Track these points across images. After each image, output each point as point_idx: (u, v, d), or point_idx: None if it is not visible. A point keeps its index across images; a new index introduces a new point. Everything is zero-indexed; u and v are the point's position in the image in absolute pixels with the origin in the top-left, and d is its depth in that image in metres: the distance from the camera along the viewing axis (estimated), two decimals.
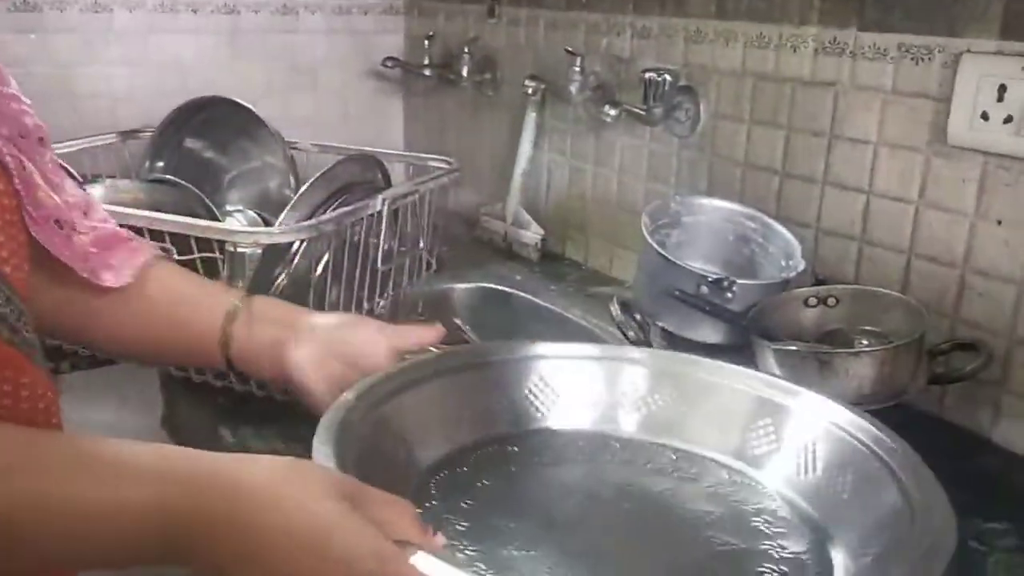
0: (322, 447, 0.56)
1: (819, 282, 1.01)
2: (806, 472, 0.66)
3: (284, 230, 0.86)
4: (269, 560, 0.47)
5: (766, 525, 0.61)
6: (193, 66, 1.61)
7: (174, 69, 1.59)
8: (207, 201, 1.16)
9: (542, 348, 0.75)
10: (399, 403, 0.66)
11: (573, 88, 1.31)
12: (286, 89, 1.70)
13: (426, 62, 1.62)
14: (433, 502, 0.63)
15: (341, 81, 1.75)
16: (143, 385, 1.19)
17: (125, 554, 0.49)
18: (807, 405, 0.68)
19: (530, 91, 1.35)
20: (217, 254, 0.87)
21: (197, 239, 0.85)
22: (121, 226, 0.79)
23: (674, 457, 0.67)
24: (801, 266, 1.00)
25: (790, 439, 0.68)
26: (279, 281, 0.98)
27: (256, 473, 0.50)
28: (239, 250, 0.98)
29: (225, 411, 0.98)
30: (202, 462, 0.51)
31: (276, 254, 0.95)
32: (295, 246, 0.98)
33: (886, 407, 0.86)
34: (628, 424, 0.70)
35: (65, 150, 1.19)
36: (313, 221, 0.87)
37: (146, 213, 0.89)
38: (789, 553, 0.57)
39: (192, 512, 0.48)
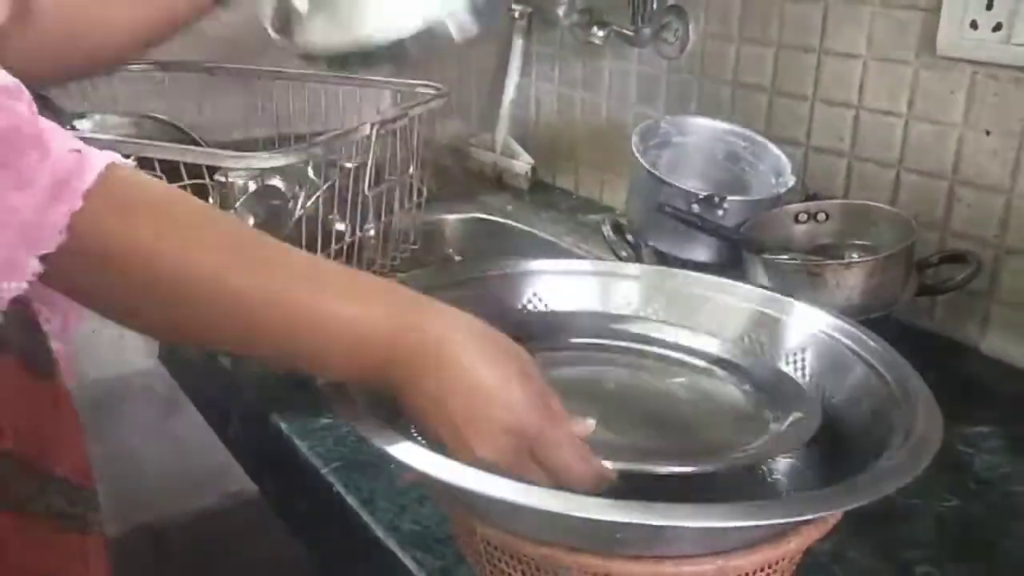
0: None
1: (809, 198, 1.01)
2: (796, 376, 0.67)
3: (274, 154, 0.85)
4: (460, 402, 0.50)
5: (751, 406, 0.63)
6: None
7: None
8: (195, 137, 1.16)
9: (536, 264, 0.75)
10: None
11: (560, 11, 1.29)
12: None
13: None
14: None
15: None
16: None
17: (343, 363, 0.51)
18: (797, 314, 0.68)
19: (516, 15, 1.34)
20: (207, 180, 0.87)
21: (187, 166, 0.84)
22: None
23: (661, 361, 0.68)
24: (791, 182, 1.00)
25: (780, 346, 0.69)
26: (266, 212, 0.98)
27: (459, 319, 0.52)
28: (229, 179, 0.98)
29: None
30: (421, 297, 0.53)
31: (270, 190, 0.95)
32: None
33: (876, 318, 0.87)
34: (621, 335, 0.71)
35: (50, 84, 1.17)
36: (303, 145, 0.87)
37: (135, 140, 0.88)
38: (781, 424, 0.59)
39: (415, 335, 0.50)
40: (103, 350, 1.21)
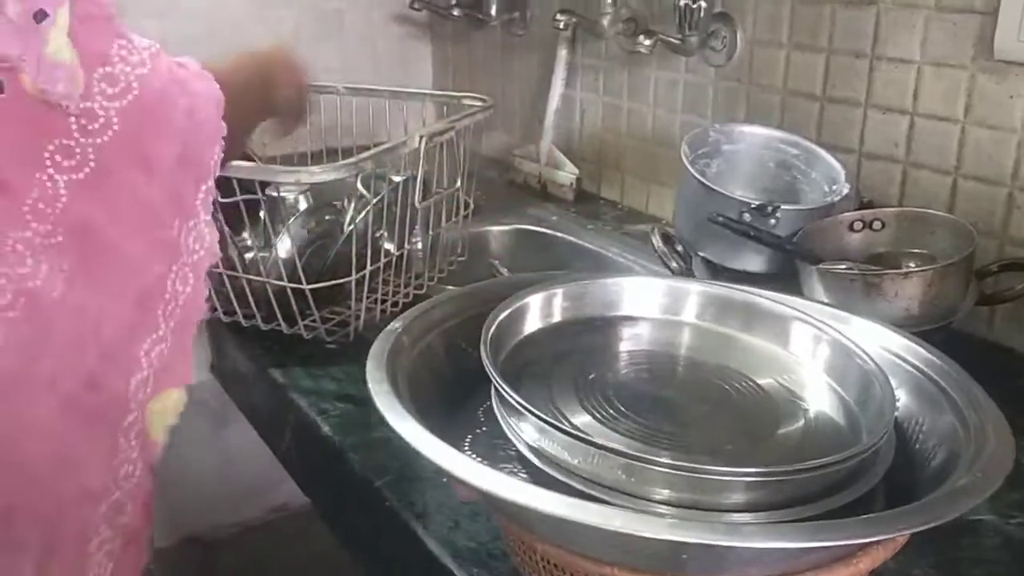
0: (375, 372, 0.56)
1: (864, 206, 0.99)
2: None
3: (325, 169, 0.86)
4: None
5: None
6: (221, 15, 1.60)
7: (203, 19, 1.58)
8: (249, 151, 1.16)
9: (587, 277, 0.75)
10: (447, 329, 0.66)
11: (605, 21, 1.29)
12: (313, 37, 1.69)
13: (453, 2, 1.60)
14: (483, 428, 0.63)
15: (368, 26, 1.74)
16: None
17: None
18: (856, 331, 0.67)
19: (561, 26, 1.33)
20: (260, 195, 0.87)
21: (240, 181, 0.85)
22: None
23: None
24: (845, 190, 0.98)
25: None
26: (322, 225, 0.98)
27: None
28: (280, 193, 0.99)
29: (273, 354, 0.99)
30: None
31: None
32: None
33: (935, 329, 0.85)
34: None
35: None
36: (353, 160, 0.87)
37: None
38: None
39: None
40: None
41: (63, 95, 0.51)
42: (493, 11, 1.54)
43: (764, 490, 0.52)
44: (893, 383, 0.62)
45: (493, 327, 0.61)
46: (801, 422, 0.62)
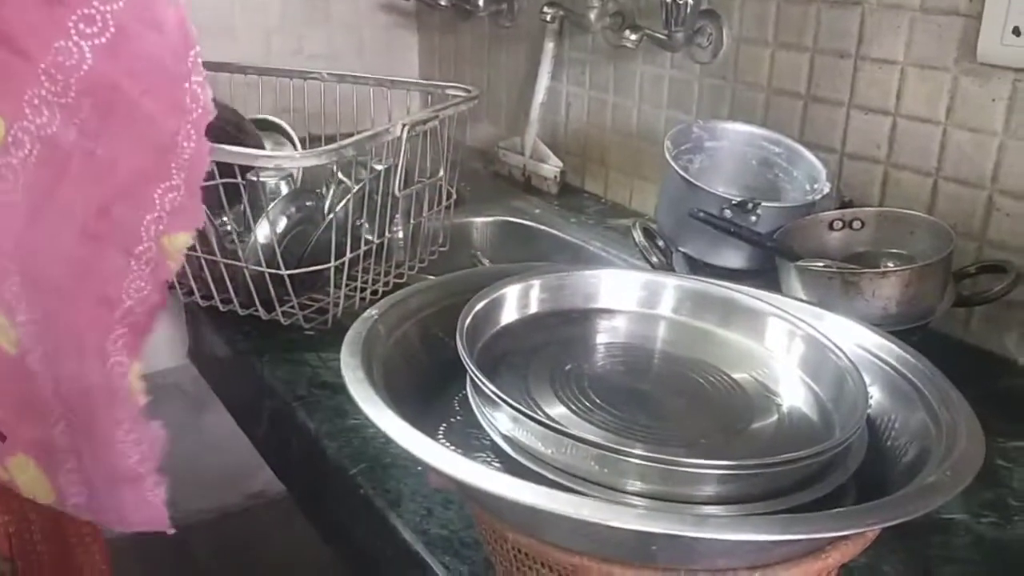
0: (350, 359, 0.56)
1: (844, 205, 1.00)
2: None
3: (305, 154, 0.85)
4: None
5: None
6: (206, 2, 1.59)
7: (187, 3, 1.57)
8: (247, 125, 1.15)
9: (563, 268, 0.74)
10: (424, 318, 0.66)
11: (592, 15, 1.29)
12: (299, 23, 1.68)
13: None
14: (458, 417, 0.63)
15: (355, 13, 1.73)
16: (168, 316, 1.20)
17: None
18: (831, 328, 0.67)
19: (548, 18, 1.33)
20: (239, 179, 0.87)
21: (219, 165, 0.84)
22: None
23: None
24: (826, 189, 0.99)
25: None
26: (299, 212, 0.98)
27: None
28: (262, 178, 0.98)
29: (251, 339, 0.99)
30: None
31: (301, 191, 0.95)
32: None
33: (912, 329, 0.85)
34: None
35: None
36: (334, 146, 0.87)
37: None
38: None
39: None
40: None
41: None
42: (481, 2, 1.54)
43: (736, 483, 0.52)
44: (867, 380, 0.62)
45: (470, 317, 0.61)
46: (775, 417, 0.62)
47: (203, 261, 0.95)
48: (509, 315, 0.67)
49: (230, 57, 1.54)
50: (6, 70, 0.61)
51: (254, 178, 0.96)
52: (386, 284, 1.05)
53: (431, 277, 1.18)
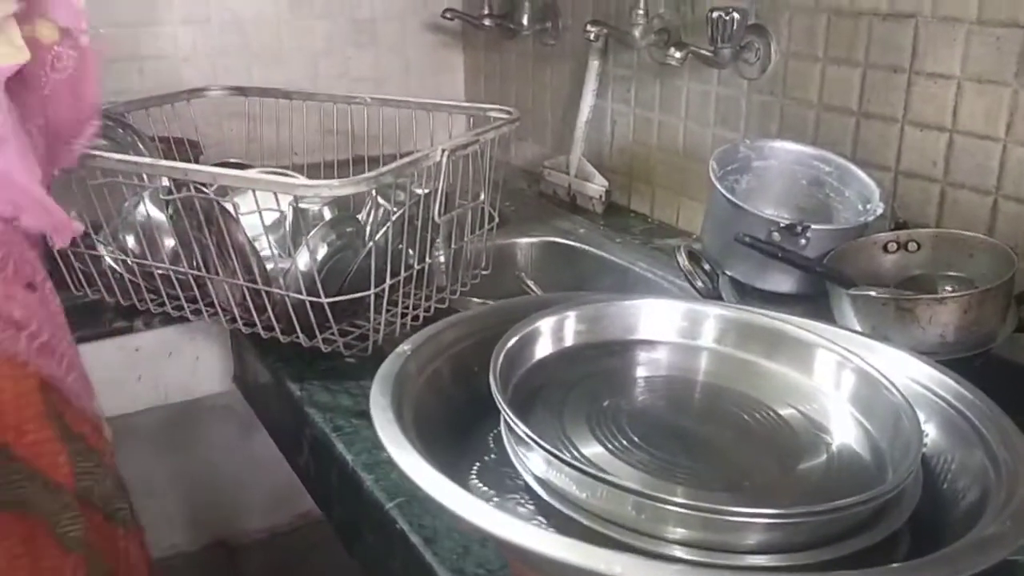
0: (380, 398, 0.55)
1: (899, 226, 0.96)
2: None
3: (344, 182, 0.84)
4: None
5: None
6: (254, 25, 1.61)
7: (235, 28, 1.59)
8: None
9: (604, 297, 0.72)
10: (458, 352, 0.65)
11: (637, 32, 1.27)
12: (346, 45, 1.69)
13: (485, 12, 1.59)
14: (492, 455, 0.61)
15: (400, 35, 1.73)
16: (214, 342, 1.21)
17: None
18: (884, 360, 0.64)
19: (592, 37, 1.31)
20: (277, 208, 0.86)
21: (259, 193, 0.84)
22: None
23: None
24: (880, 210, 0.95)
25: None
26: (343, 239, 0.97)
27: None
28: (301, 205, 0.98)
29: (292, 367, 0.98)
30: None
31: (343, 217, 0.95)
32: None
33: (971, 357, 0.82)
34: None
35: (132, 109, 1.20)
36: (373, 173, 0.86)
37: (208, 169, 0.89)
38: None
39: None
40: (181, 373, 1.22)
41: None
42: (525, 21, 1.53)
43: (783, 531, 0.50)
44: (921, 417, 0.59)
45: (503, 353, 0.59)
46: (824, 456, 0.59)
47: (245, 289, 0.95)
48: (545, 348, 0.65)
49: (278, 80, 1.56)
50: None
51: (294, 204, 0.96)
52: (427, 310, 1.04)
53: (475, 300, 1.18)
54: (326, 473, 0.89)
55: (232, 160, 1.26)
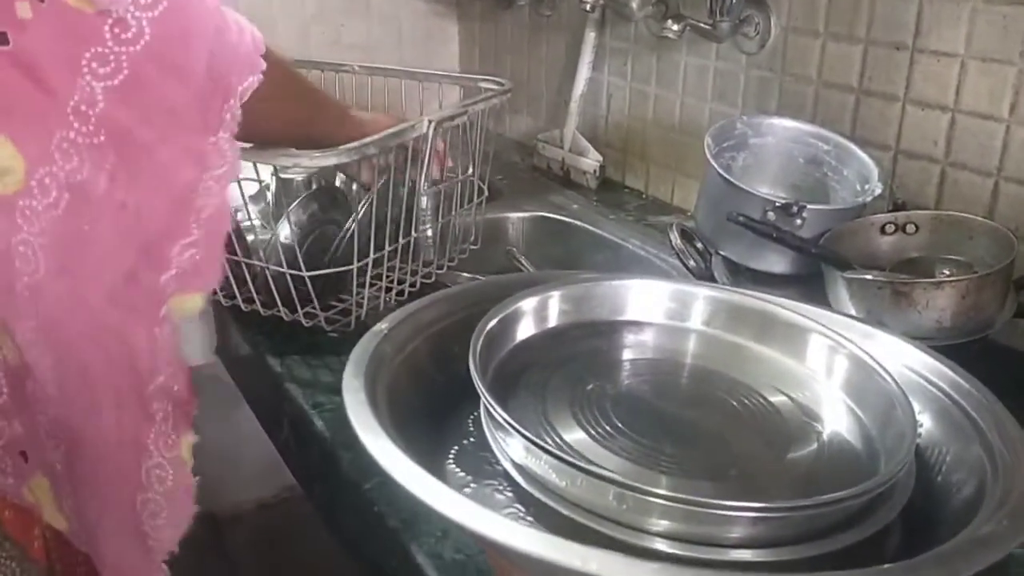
0: (353, 379, 0.53)
1: (897, 207, 0.94)
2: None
3: (326, 154, 0.82)
4: None
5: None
6: None
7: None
8: None
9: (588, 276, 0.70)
10: (438, 331, 0.62)
11: (634, 3, 1.23)
12: (338, 13, 1.65)
13: None
14: (471, 439, 0.59)
15: (393, 3, 1.69)
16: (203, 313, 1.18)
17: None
18: (879, 346, 0.62)
19: (588, 7, 1.28)
20: (256, 179, 0.84)
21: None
22: None
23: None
24: (878, 190, 0.93)
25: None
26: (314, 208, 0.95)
27: None
28: (283, 176, 0.95)
29: (274, 341, 0.96)
30: None
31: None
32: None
33: (969, 342, 0.80)
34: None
35: None
36: (355, 144, 0.83)
37: None
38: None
39: None
40: None
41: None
42: None
43: (769, 524, 0.48)
44: (916, 406, 0.57)
45: (484, 334, 0.57)
46: (814, 445, 0.57)
47: (226, 260, 0.92)
48: (528, 329, 0.63)
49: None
50: (31, 106, 0.55)
51: (278, 176, 0.93)
52: (413, 285, 1.01)
53: (464, 275, 1.16)
54: (306, 450, 0.87)
55: None
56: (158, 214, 0.58)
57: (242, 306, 0.97)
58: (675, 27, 1.15)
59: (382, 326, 0.59)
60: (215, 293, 0.99)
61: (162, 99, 0.57)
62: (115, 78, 0.55)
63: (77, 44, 0.55)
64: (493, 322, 0.58)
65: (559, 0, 1.48)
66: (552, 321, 0.64)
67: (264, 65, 0.63)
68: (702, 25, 1.14)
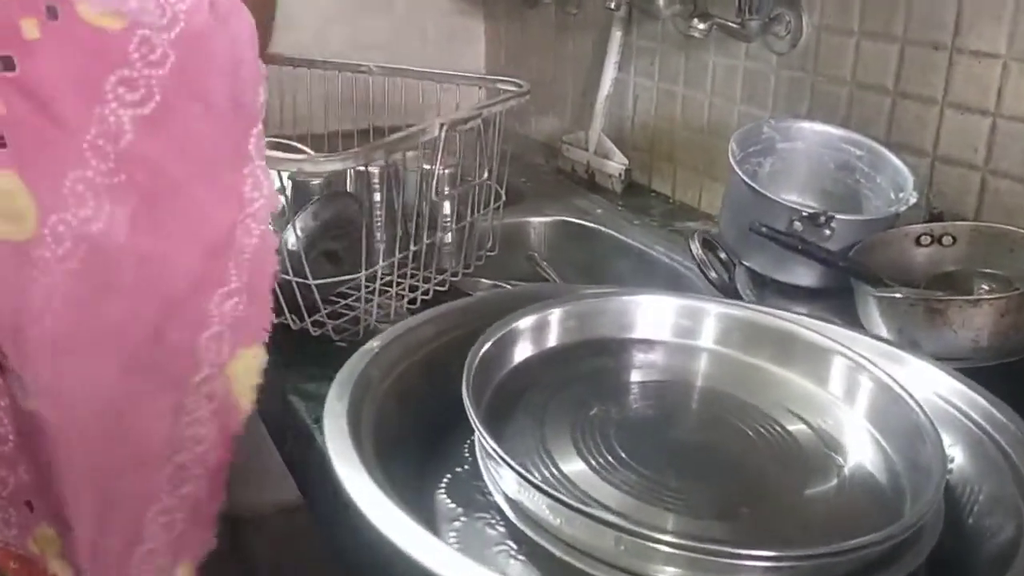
0: (336, 403, 0.50)
1: (934, 218, 0.89)
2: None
3: (331, 158, 0.79)
4: None
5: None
6: None
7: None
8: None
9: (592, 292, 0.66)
10: (435, 349, 0.59)
11: (661, 1, 1.19)
12: (359, 10, 1.62)
13: None
14: (465, 467, 0.56)
15: (418, 2, 1.66)
16: None
17: None
18: (909, 371, 0.57)
19: (612, 5, 1.24)
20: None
21: None
22: None
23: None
24: (913, 199, 0.88)
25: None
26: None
27: None
28: (299, 179, 0.92)
29: (280, 351, 0.93)
30: None
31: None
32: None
33: (1008, 364, 0.74)
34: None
35: None
36: (362, 148, 0.80)
37: None
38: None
39: None
40: None
41: (137, 11, 0.49)
42: None
43: (783, 573, 0.44)
44: (946, 439, 0.53)
45: (480, 354, 0.53)
46: (834, 480, 0.53)
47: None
48: (530, 348, 0.59)
49: (287, 47, 1.50)
50: (42, 142, 0.48)
51: (293, 179, 0.91)
52: (425, 293, 0.98)
53: (484, 281, 1.13)
54: (305, 465, 0.84)
55: None
56: (189, 263, 0.51)
57: None
58: (701, 26, 1.10)
59: (373, 344, 0.56)
60: None
61: (194, 130, 0.51)
62: (146, 105, 0.49)
63: (99, 67, 0.48)
64: (489, 343, 0.55)
65: None
66: (553, 340, 0.60)
67: (264, 69, 0.59)
68: (730, 24, 1.10)
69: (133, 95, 0.49)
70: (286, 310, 0.91)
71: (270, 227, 0.53)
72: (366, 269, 0.88)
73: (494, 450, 0.46)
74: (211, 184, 0.51)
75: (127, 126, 0.49)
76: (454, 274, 1.04)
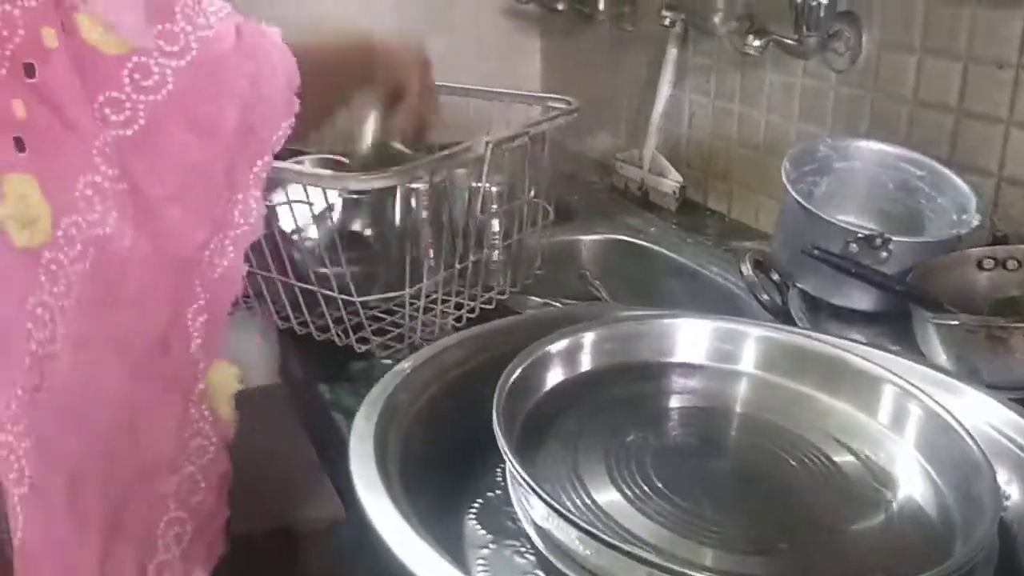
0: (363, 423, 0.49)
1: (998, 240, 0.85)
2: None
3: (375, 176, 0.79)
4: None
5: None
6: (324, 5, 1.56)
7: (306, 6, 1.55)
8: None
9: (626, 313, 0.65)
10: (469, 371, 0.58)
11: (717, 18, 1.17)
12: (420, 27, 1.63)
13: None
14: (497, 491, 0.55)
15: (474, 18, 1.67)
16: (261, 336, 1.17)
17: None
18: (964, 402, 0.55)
19: (667, 22, 1.22)
20: (307, 199, 0.81)
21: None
22: None
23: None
24: (976, 221, 0.84)
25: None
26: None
27: None
28: (346, 196, 0.93)
29: (325, 367, 0.94)
30: None
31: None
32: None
33: None
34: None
35: None
36: (406, 167, 0.80)
37: None
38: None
39: None
40: None
41: (132, 29, 0.50)
42: (601, 5, 1.44)
43: None
44: (1003, 475, 0.50)
45: (513, 377, 0.52)
46: (882, 516, 0.51)
47: (278, 282, 0.91)
48: (566, 370, 0.58)
49: None
50: (57, 145, 0.49)
51: (344, 196, 0.91)
52: (472, 311, 0.98)
53: (534, 299, 1.12)
54: (346, 483, 0.84)
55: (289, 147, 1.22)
56: (168, 277, 0.52)
57: (296, 329, 0.95)
58: (756, 43, 1.08)
59: (404, 365, 0.55)
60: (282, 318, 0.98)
61: (180, 156, 0.52)
62: (129, 128, 0.50)
63: (92, 85, 0.50)
64: (521, 368, 0.54)
65: (640, 15, 1.43)
66: (588, 364, 0.59)
67: (297, 106, 0.59)
68: (787, 41, 1.08)
69: (117, 116, 0.50)
70: (331, 326, 0.91)
71: (242, 255, 0.54)
72: (411, 286, 0.88)
73: (523, 478, 0.45)
74: (185, 206, 0.52)
75: (108, 143, 0.51)
76: (501, 292, 1.03)
